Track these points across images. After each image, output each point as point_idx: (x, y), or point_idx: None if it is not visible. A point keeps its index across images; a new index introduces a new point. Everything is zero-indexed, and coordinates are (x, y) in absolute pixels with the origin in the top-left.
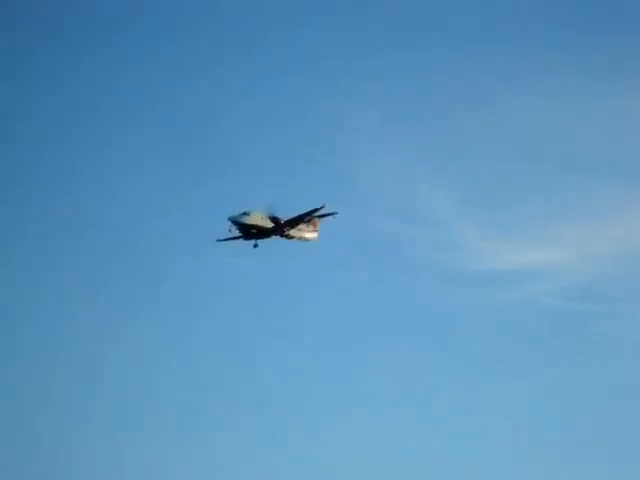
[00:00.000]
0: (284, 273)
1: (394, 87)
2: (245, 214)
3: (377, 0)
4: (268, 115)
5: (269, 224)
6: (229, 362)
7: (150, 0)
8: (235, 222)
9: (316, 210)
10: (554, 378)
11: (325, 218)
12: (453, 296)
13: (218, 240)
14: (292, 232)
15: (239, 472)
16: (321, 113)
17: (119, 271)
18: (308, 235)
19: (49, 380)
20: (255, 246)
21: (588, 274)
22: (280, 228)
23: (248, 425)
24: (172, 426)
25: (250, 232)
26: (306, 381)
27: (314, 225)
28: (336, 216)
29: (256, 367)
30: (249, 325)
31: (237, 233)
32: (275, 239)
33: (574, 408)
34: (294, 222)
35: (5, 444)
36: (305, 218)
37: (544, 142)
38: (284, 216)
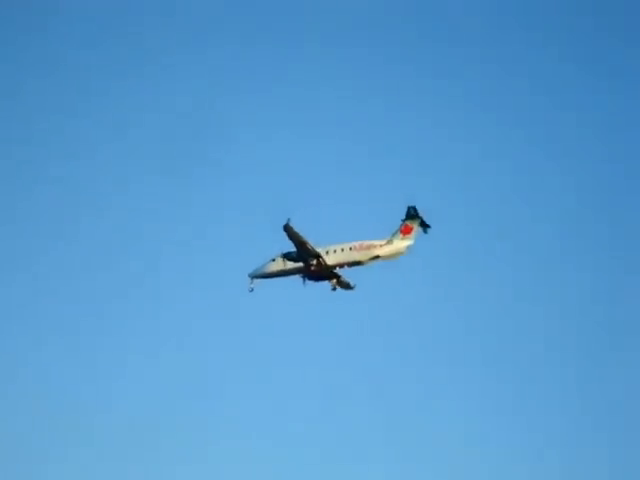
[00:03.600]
0: None
1: None
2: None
3: None
4: None
5: (294, 264)
6: None
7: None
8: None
9: (288, 227)
10: None
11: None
12: None
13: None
14: (329, 260)
15: None
16: None
17: None
18: (382, 251)
19: None
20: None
21: None
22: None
23: None
24: None
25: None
26: None
27: (404, 232)
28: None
29: None
30: None
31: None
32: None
33: None
34: (304, 250)
35: None
36: (301, 241)
37: None
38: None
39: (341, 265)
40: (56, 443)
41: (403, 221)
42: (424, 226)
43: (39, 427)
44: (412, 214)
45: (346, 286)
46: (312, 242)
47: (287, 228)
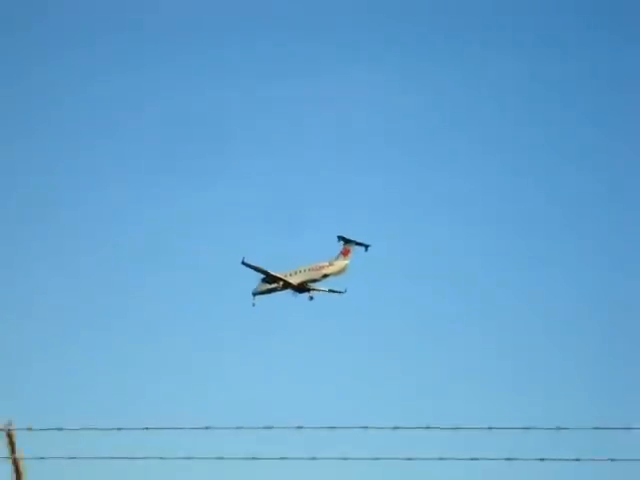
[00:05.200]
0: None
1: None
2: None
3: None
4: None
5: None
6: None
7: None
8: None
9: (245, 264)
10: None
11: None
12: None
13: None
14: (293, 280)
15: None
16: None
17: None
18: (328, 270)
19: None
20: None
21: None
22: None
23: None
24: None
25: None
26: None
27: (344, 253)
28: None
29: None
30: None
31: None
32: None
33: None
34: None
35: None
36: (262, 271)
37: None
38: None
39: (304, 282)
40: None
41: (343, 245)
42: (363, 246)
43: None
44: (345, 240)
45: (336, 292)
46: (274, 269)
47: (245, 264)
